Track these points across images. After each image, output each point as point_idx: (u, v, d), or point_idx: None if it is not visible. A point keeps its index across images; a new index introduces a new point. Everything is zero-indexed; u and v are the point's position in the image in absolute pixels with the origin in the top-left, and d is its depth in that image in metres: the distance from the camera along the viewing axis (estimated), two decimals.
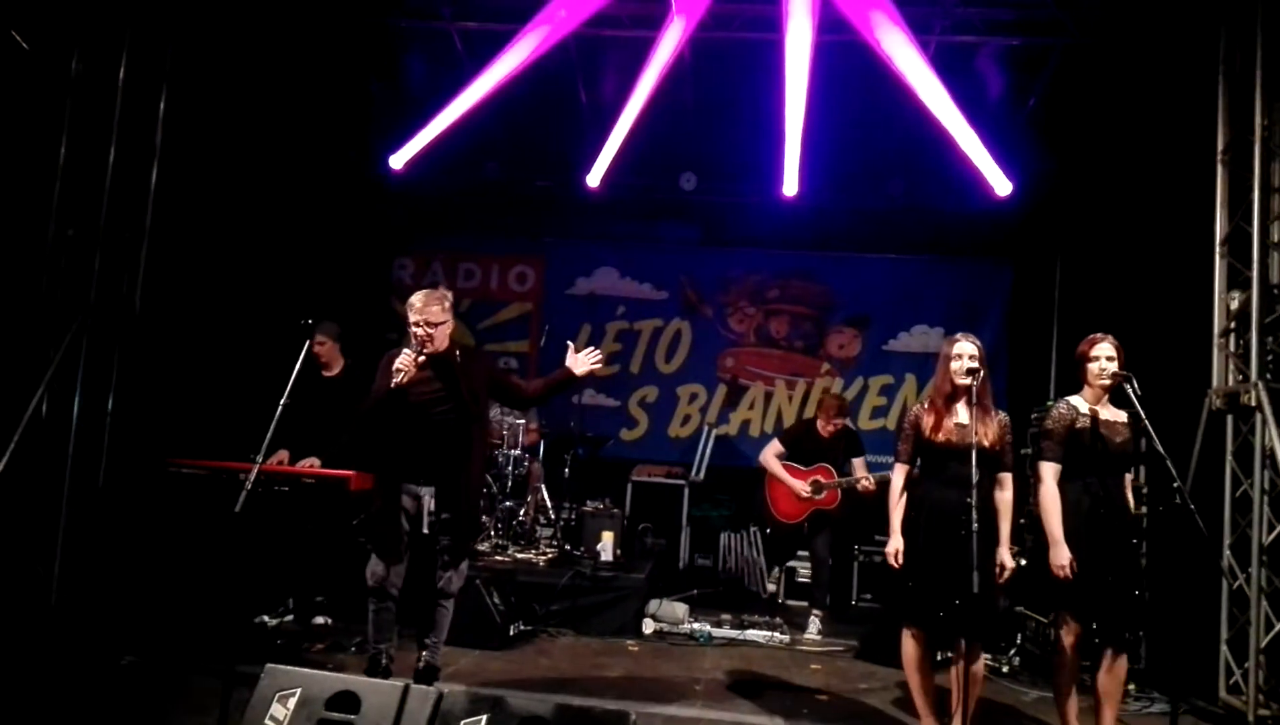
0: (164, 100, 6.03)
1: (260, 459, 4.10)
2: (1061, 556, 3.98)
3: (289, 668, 3.47)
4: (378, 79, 7.76)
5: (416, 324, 4.24)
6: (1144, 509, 5.13)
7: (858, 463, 6.67)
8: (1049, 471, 4.12)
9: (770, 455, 6.77)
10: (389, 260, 9.44)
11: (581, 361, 4.54)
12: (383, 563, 4.33)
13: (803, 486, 6.58)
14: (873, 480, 6.38)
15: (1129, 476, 4.23)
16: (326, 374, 5.86)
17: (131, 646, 4.86)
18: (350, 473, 5.45)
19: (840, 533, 6.95)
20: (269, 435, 3.96)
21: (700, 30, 6.58)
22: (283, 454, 5.62)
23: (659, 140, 8.23)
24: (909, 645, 4.17)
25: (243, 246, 7.07)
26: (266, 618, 5.62)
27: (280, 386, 4.03)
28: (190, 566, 5.37)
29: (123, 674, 4.58)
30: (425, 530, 4.33)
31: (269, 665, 3.44)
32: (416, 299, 4.29)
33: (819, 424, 6.73)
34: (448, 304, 4.36)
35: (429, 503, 4.33)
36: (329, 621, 5.73)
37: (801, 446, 6.74)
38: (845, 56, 6.69)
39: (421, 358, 4.22)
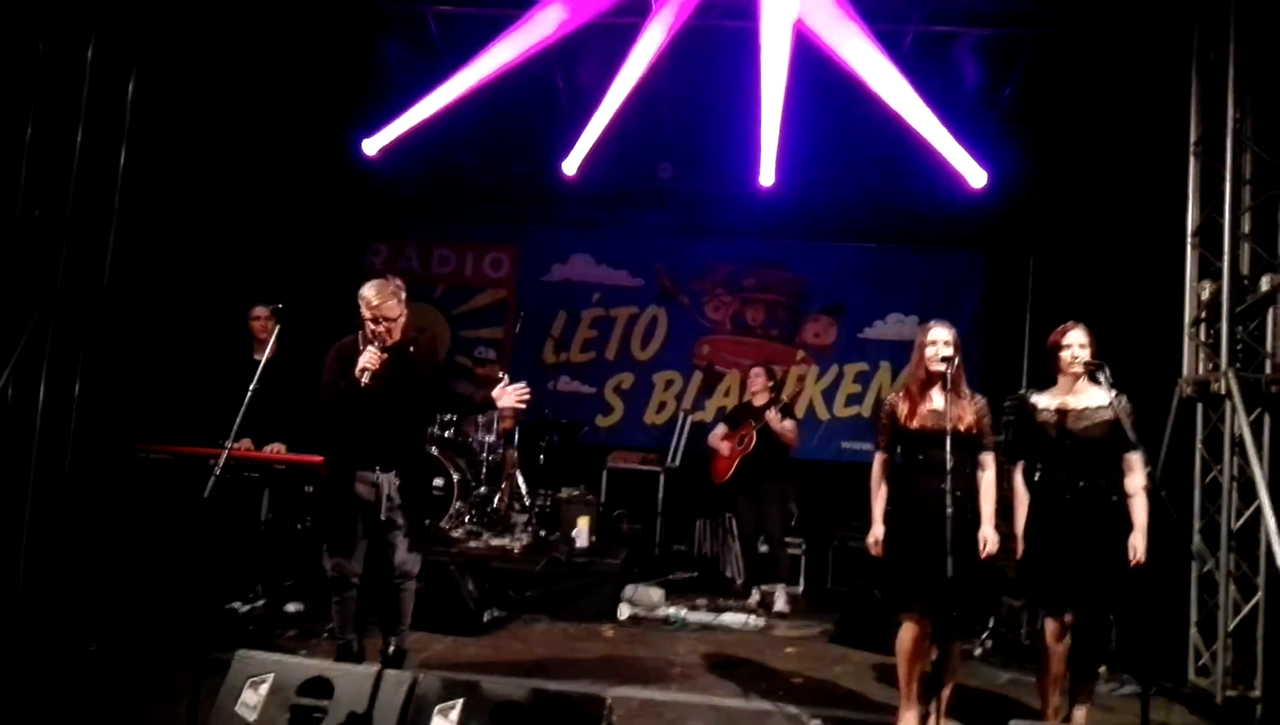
0: (133, 81, 5.92)
1: (230, 443, 4.05)
2: (1018, 551, 4.14)
3: (260, 654, 3.46)
4: (351, 61, 7.66)
5: (374, 321, 4.20)
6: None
7: None
8: (1015, 469, 4.26)
9: (714, 436, 7.32)
10: (362, 245, 9.34)
11: (509, 396, 4.47)
12: (340, 552, 4.30)
13: (728, 447, 7.09)
14: (776, 412, 6.79)
15: (1134, 457, 4.09)
16: (259, 357, 5.74)
17: (101, 634, 4.80)
18: (321, 457, 5.40)
19: (813, 517, 7.19)
20: (238, 420, 3.91)
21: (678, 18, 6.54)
22: (246, 442, 5.55)
23: (636, 128, 8.21)
24: (905, 635, 4.10)
25: (213, 230, 6.98)
26: (238, 604, 5.57)
27: (243, 371, 3.99)
28: (160, 553, 5.32)
29: (91, 661, 4.53)
30: (383, 517, 4.29)
31: (240, 652, 3.43)
32: (371, 294, 4.21)
33: (753, 399, 7.21)
34: (403, 296, 4.32)
35: (389, 488, 4.30)
36: (301, 607, 5.68)
37: (742, 418, 7.19)
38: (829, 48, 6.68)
39: (384, 357, 4.20)
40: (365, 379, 4.14)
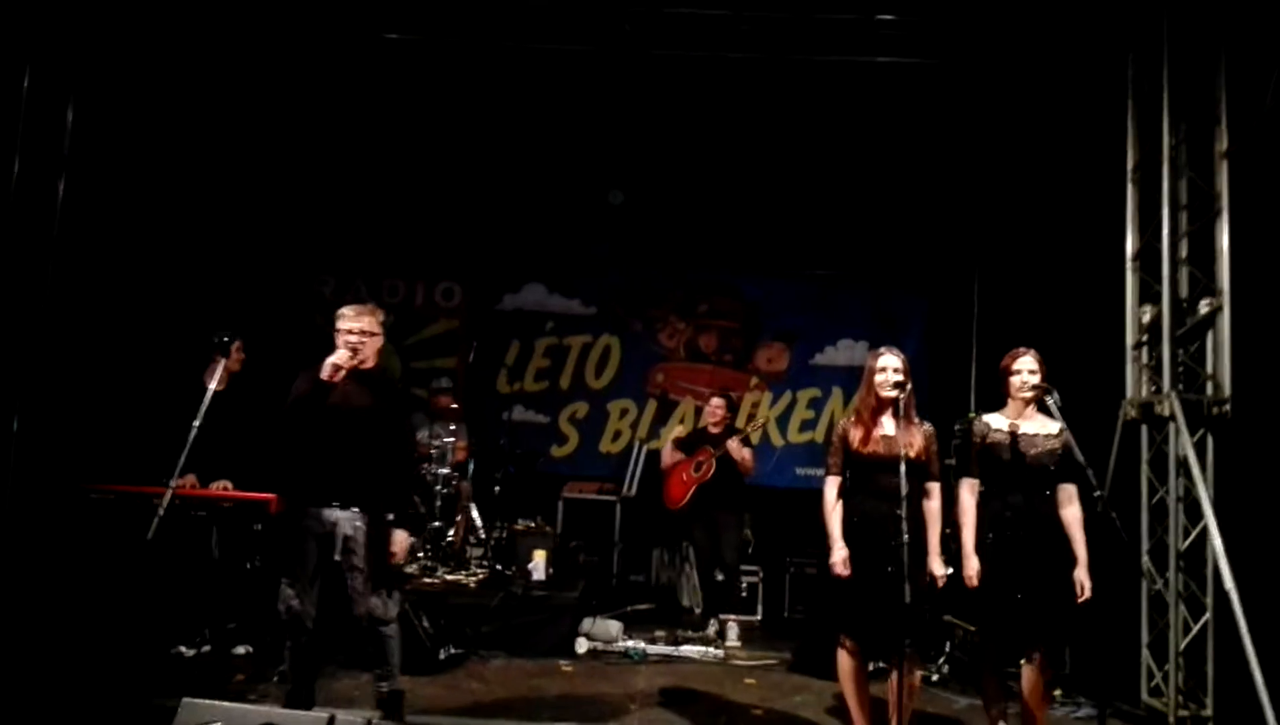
0: (71, 110, 5.80)
1: (173, 483, 3.94)
2: (969, 568, 4.12)
3: (207, 701, 3.35)
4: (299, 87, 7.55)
5: (349, 332, 4.17)
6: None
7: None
8: (963, 487, 4.27)
9: (666, 458, 7.27)
10: (309, 276, 9.20)
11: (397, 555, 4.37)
12: (295, 594, 4.16)
13: (687, 468, 7.03)
14: (738, 442, 6.79)
15: (1072, 488, 4.21)
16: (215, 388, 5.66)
17: (40, 680, 4.61)
18: (271, 495, 5.29)
19: (769, 545, 7.37)
20: (183, 458, 3.81)
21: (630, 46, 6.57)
22: (191, 478, 5.41)
23: (587, 156, 8.23)
24: (844, 658, 4.18)
25: (157, 263, 6.84)
26: (184, 648, 5.39)
27: (190, 405, 3.89)
28: (103, 596, 5.14)
29: (31, 709, 4.35)
30: (336, 557, 4.14)
31: (185, 699, 3.31)
32: (347, 310, 4.24)
33: (710, 427, 7.15)
34: (380, 317, 4.31)
35: (345, 528, 4.14)
36: (250, 650, 5.51)
37: (696, 444, 7.18)
38: (775, 81, 6.77)
39: (353, 362, 4.13)
40: (338, 377, 4.07)
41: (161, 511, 3.72)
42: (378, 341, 4.27)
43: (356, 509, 4.15)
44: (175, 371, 5.88)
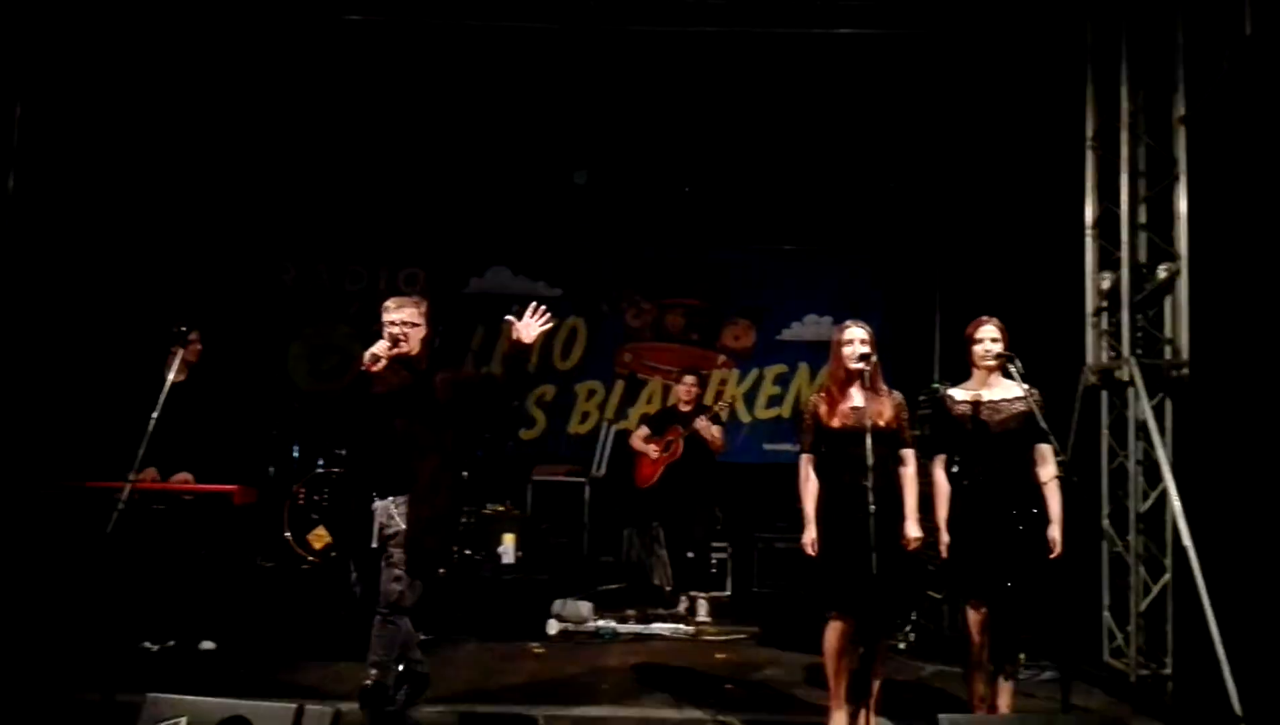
0: (20, 102, 5.67)
1: (133, 476, 3.88)
2: (941, 542, 4.20)
3: (172, 695, 3.30)
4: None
5: (391, 323, 4.17)
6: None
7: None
8: (935, 463, 4.32)
9: (637, 437, 7.27)
10: (270, 265, 9.07)
11: (531, 326, 4.20)
12: (362, 576, 4.32)
13: (655, 450, 7.05)
14: (707, 420, 6.81)
15: (1045, 448, 4.21)
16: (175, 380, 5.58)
17: (1, 679, 4.55)
18: (234, 487, 5.23)
19: (737, 520, 7.49)
20: (141, 450, 3.75)
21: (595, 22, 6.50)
22: (151, 472, 5.33)
23: (551, 135, 8.16)
24: (832, 634, 4.13)
25: (113, 255, 6.73)
26: (149, 644, 5.32)
27: (147, 397, 3.83)
28: (64, 592, 5.07)
29: None
30: (374, 544, 4.17)
31: (150, 694, 3.27)
32: (390, 302, 4.26)
33: (680, 405, 7.18)
34: (424, 308, 4.30)
35: (380, 516, 4.17)
36: (216, 645, 5.44)
37: (666, 423, 7.18)
38: (738, 53, 6.74)
39: (395, 351, 4.11)
40: (378, 367, 4.05)
41: (121, 505, 3.65)
42: (420, 331, 4.27)
43: (391, 498, 4.17)
44: (132, 364, 5.78)
